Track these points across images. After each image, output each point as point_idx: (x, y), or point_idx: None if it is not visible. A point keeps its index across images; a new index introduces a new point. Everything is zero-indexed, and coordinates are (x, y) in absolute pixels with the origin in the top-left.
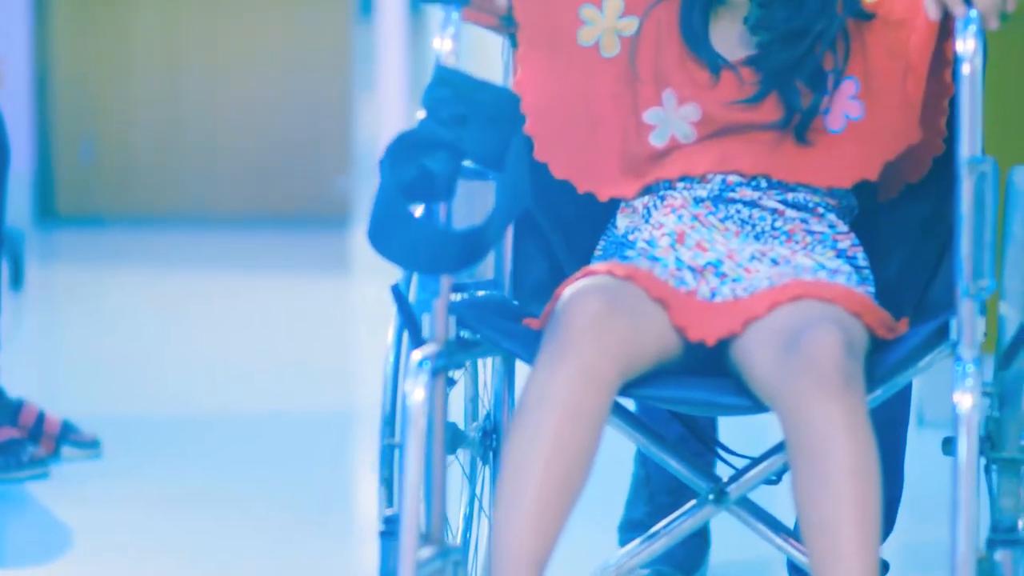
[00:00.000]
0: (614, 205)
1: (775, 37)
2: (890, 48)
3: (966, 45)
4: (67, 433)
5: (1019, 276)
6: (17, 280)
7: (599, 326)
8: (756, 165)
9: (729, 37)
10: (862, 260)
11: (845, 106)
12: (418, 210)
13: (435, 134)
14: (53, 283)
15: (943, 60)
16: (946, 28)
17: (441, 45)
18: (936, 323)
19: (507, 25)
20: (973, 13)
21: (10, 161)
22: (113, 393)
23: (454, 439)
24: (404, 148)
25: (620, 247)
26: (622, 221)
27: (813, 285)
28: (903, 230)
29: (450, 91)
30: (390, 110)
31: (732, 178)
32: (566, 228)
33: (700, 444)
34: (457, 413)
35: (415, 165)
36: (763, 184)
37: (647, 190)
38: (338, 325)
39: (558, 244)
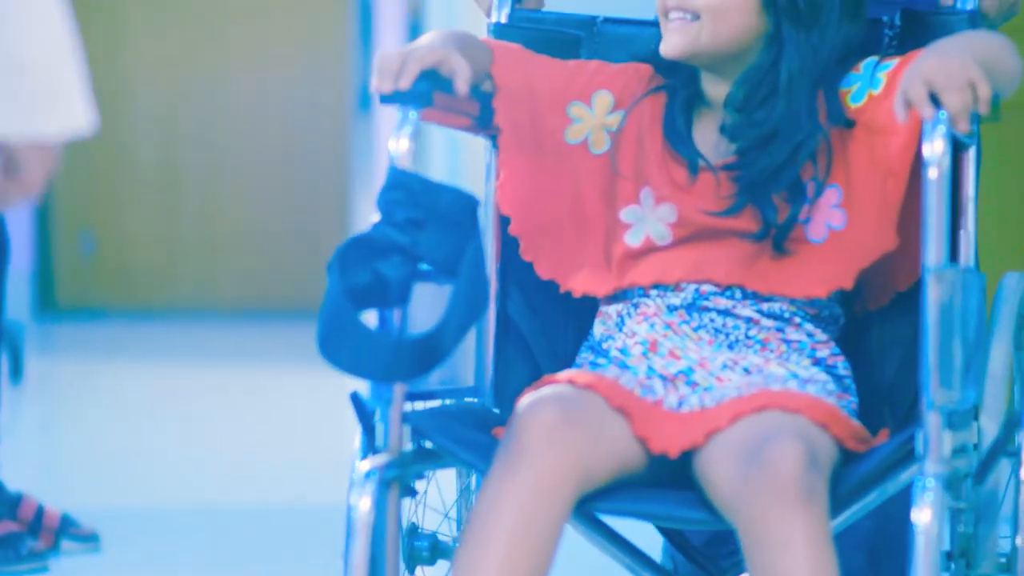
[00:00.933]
0: (597, 310)
1: (751, 145)
2: (873, 155)
3: (933, 148)
4: (66, 527)
5: (996, 386)
6: (17, 373)
7: (554, 437)
8: (730, 275)
9: (712, 138)
10: (843, 369)
11: (827, 215)
12: (372, 316)
13: (389, 238)
14: (53, 376)
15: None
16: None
17: (396, 146)
18: (902, 437)
19: (482, 127)
20: (942, 115)
21: (10, 254)
22: (113, 486)
23: (434, 551)
24: (356, 252)
25: (595, 354)
26: (598, 328)
27: (779, 395)
28: (895, 339)
29: (404, 194)
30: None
31: (706, 287)
32: (549, 333)
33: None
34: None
35: (368, 270)
36: (738, 294)
37: (621, 296)
38: (338, 418)
39: (540, 350)
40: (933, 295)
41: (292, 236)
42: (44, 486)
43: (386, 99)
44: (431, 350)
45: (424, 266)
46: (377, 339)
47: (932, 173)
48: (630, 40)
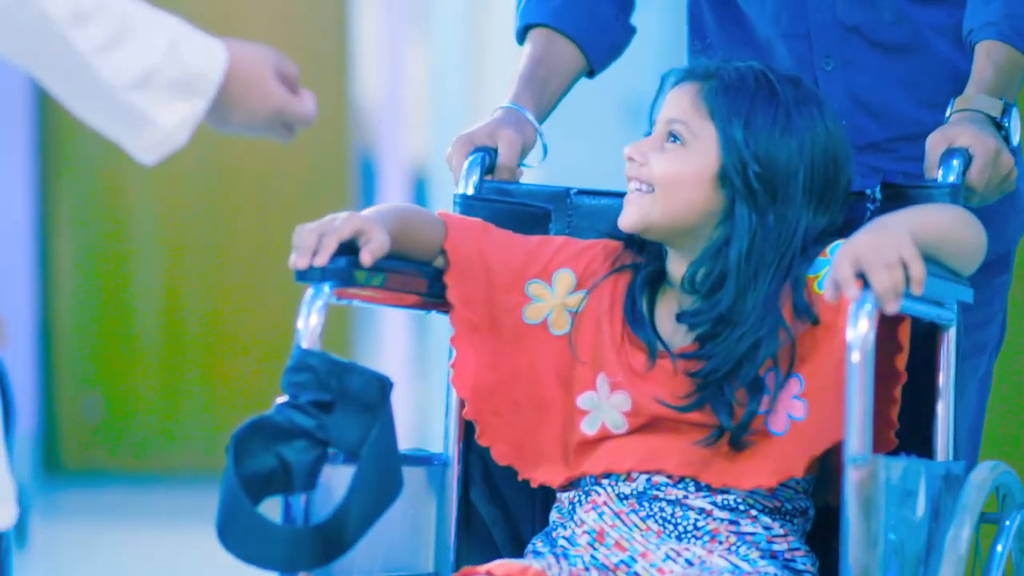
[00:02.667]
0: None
1: (707, 332)
2: (833, 343)
3: (857, 330)
4: None
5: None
6: (20, 537)
7: None
8: (683, 467)
9: (674, 322)
10: (803, 564)
11: (788, 405)
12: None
13: (292, 421)
14: (57, 540)
15: (894, 345)
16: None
17: (304, 324)
18: None
19: (432, 303)
20: (868, 295)
21: (15, 418)
22: None
23: None
24: (258, 436)
25: (544, 542)
26: (553, 515)
27: None
28: None
29: (310, 376)
30: (391, 350)
31: (658, 478)
32: (511, 519)
33: None
34: None
35: (272, 454)
36: (691, 486)
37: (574, 483)
38: None
39: (501, 536)
40: (852, 487)
41: None
42: None
43: (301, 276)
44: (333, 539)
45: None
46: (272, 530)
47: (855, 357)
48: (605, 212)
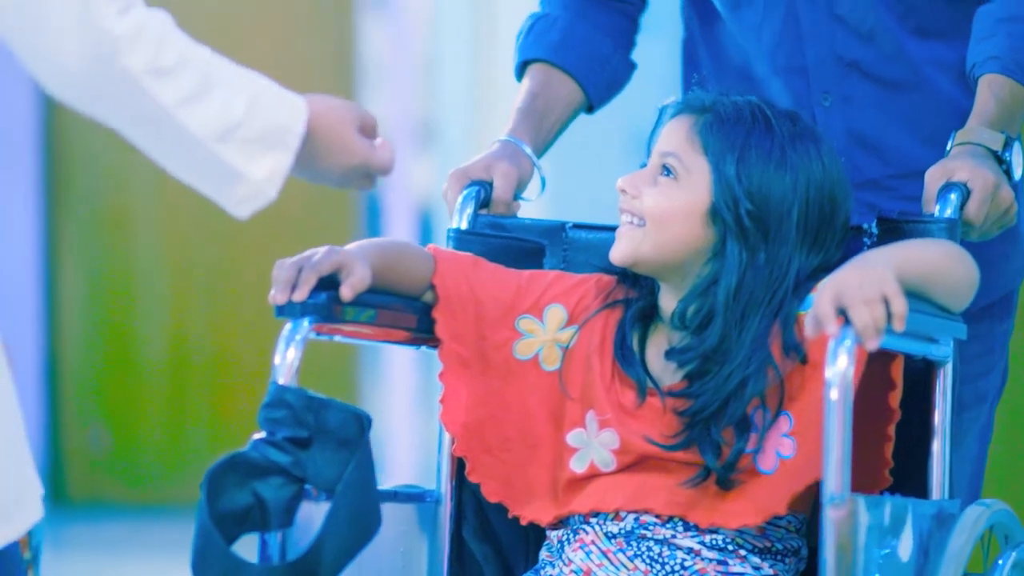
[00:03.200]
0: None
1: (696, 369)
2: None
3: (836, 367)
4: None
5: None
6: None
7: None
8: (671, 506)
9: (664, 359)
10: None
11: (778, 443)
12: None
13: (268, 457)
14: (64, 572)
15: (887, 382)
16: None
17: (281, 360)
18: None
19: (422, 334)
20: (848, 331)
21: None
22: None
23: None
24: (233, 472)
25: None
26: (543, 553)
27: None
28: None
29: (286, 412)
30: (396, 386)
31: (646, 517)
32: (503, 556)
33: None
34: None
35: (247, 491)
36: (679, 526)
37: (563, 522)
38: None
39: (493, 573)
40: (829, 527)
41: None
42: None
43: (280, 312)
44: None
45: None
46: (245, 568)
47: (833, 394)
48: (601, 246)
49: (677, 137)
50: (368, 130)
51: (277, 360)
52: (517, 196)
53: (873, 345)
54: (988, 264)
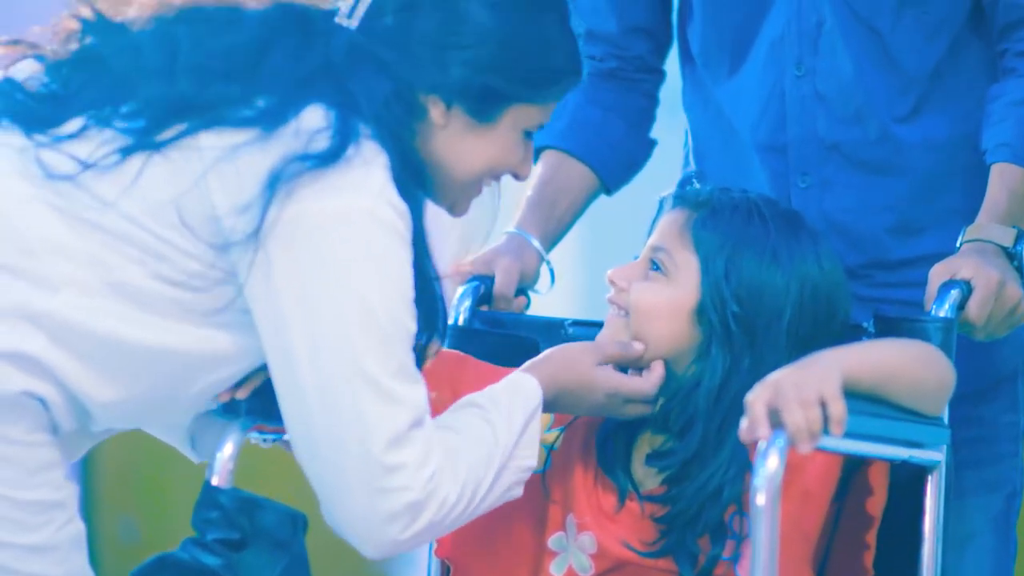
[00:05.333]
0: None
1: (675, 475)
2: (800, 486)
3: (764, 471)
4: None
5: None
6: None
7: None
8: None
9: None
10: None
11: None
12: None
13: (197, 559)
14: None
15: (866, 488)
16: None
17: (218, 459)
18: None
19: None
20: (780, 440)
21: None
22: None
23: None
24: (161, 573)
25: None
26: None
27: None
28: None
29: (219, 513)
30: None
31: None
32: None
33: None
34: None
35: None
36: None
37: None
38: None
39: None
40: None
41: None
42: None
43: (224, 410)
44: None
45: None
46: None
47: (759, 499)
48: None
49: (670, 232)
50: (612, 359)
51: (217, 455)
52: (525, 290)
53: (806, 449)
54: (975, 350)
